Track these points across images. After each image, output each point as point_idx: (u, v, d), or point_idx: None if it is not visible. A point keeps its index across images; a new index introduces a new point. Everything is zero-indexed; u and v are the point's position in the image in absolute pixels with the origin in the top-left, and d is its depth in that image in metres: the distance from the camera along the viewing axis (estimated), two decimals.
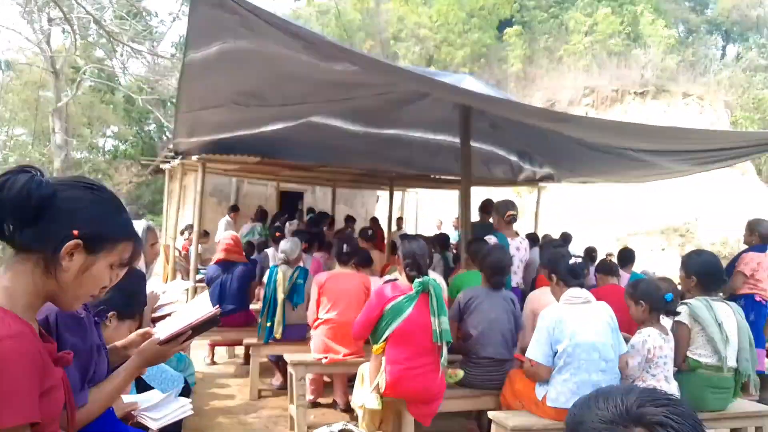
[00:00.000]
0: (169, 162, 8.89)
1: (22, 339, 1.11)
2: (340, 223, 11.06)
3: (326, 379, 4.74)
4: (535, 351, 3.10)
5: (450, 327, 3.26)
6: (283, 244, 4.71)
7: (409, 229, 14.07)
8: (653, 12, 25.26)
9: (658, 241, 16.37)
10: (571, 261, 3.29)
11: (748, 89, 22.81)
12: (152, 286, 4.26)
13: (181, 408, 2.20)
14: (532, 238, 7.48)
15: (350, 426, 1.71)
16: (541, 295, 3.87)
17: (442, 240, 6.94)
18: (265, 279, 4.65)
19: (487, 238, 4.92)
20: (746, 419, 3.47)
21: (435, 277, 3.61)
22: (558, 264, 3.30)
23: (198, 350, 5.78)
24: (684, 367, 3.37)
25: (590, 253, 6.01)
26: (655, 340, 3.15)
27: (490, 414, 3.16)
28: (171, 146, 7.84)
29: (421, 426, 3.32)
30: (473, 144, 6.21)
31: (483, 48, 25.23)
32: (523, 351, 3.44)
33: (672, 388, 3.18)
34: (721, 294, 3.70)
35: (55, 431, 1.26)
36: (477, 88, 3.87)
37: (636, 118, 14.42)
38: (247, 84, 4.25)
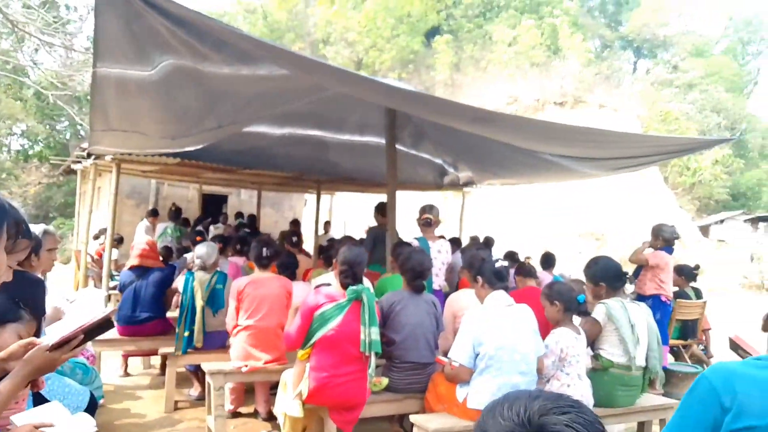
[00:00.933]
0: (81, 162, 8.37)
1: None
2: (265, 227, 10.83)
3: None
4: (458, 352, 3.12)
5: None
6: (199, 249, 4.52)
7: (337, 233, 13.99)
8: (572, 26, 26.60)
9: (575, 245, 17.19)
10: (498, 264, 3.35)
11: (656, 102, 24.49)
12: (58, 296, 3.98)
13: (83, 427, 2.03)
14: (456, 242, 7.64)
15: None
16: (460, 298, 3.92)
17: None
18: (180, 286, 4.45)
19: (409, 241, 4.97)
20: (652, 412, 3.67)
21: (369, 285, 3.59)
22: (484, 267, 3.35)
23: (109, 361, 5.45)
24: (597, 366, 3.51)
25: (511, 256, 6.19)
26: (567, 340, 3.26)
27: (412, 418, 3.16)
28: (84, 145, 7.39)
29: None
30: (400, 148, 6.28)
31: (411, 54, 25.63)
32: (444, 353, 3.47)
33: (584, 385, 3.29)
34: (630, 294, 3.89)
35: None
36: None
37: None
38: (170, 111, 4.10)
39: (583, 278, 3.96)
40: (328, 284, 3.57)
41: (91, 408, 2.86)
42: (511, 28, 24.90)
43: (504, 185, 9.52)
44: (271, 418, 4.14)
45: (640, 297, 5.12)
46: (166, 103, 4.01)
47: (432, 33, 26.73)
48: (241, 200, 14.03)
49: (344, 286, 3.25)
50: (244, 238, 5.94)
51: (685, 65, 31.35)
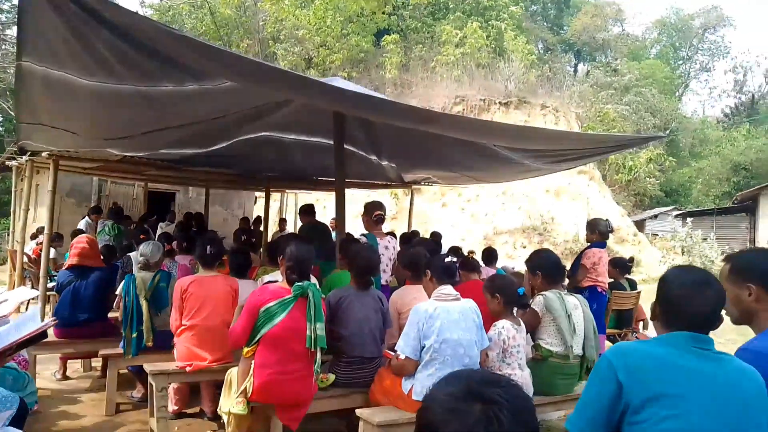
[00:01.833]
0: (15, 159, 7.97)
1: None
2: (215, 226, 10.62)
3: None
4: (405, 345, 3.19)
5: None
6: (143, 248, 4.42)
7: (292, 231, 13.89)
8: (515, 29, 27.28)
9: (519, 240, 17.68)
10: (447, 260, 3.43)
11: (594, 103, 25.47)
12: None
13: None
14: (407, 238, 7.75)
15: None
16: (403, 295, 3.99)
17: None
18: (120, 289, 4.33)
19: (357, 238, 5.03)
20: None
21: (316, 282, 3.60)
22: (433, 262, 3.43)
23: (46, 365, 5.24)
24: (537, 356, 3.66)
25: (455, 251, 6.33)
26: (508, 332, 3.39)
27: (358, 411, 3.21)
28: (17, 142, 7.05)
29: (290, 429, 3.28)
30: (348, 147, 6.31)
31: (361, 53, 25.66)
32: (391, 348, 3.54)
33: (525, 375, 3.43)
34: (566, 286, 4.07)
35: None
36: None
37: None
38: (107, 118, 4.00)
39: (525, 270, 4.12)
40: (275, 281, 3.57)
41: (21, 415, 2.75)
42: (459, 30, 25.31)
43: (449, 184, 9.72)
44: (217, 417, 4.09)
45: (577, 289, 5.35)
46: (103, 112, 3.90)
47: (382, 33, 26.84)
48: (189, 198, 13.72)
49: (290, 283, 3.26)
50: (191, 237, 5.83)
51: (622, 68, 32.73)
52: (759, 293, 1.94)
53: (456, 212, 19.53)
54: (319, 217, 7.59)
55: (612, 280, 6.03)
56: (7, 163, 9.70)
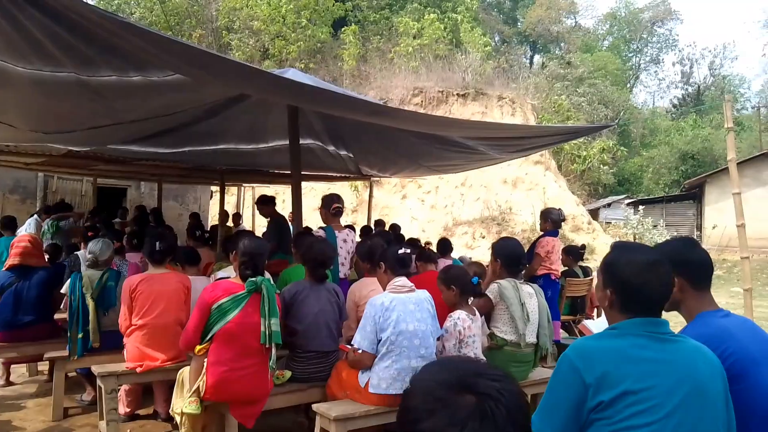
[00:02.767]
0: None
1: None
2: (169, 221, 10.33)
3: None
4: (362, 339, 3.17)
5: None
6: (92, 245, 4.25)
7: (247, 225, 13.67)
8: (472, 21, 27.49)
9: (479, 230, 17.92)
10: (401, 251, 3.43)
11: (550, 94, 25.95)
12: None
13: None
14: (367, 231, 7.74)
15: None
16: (362, 287, 3.98)
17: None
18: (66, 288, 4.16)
19: (314, 231, 4.97)
20: (542, 385, 3.91)
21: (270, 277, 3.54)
22: (387, 253, 3.42)
23: None
24: (492, 345, 3.71)
25: (412, 243, 6.36)
26: (464, 322, 3.41)
27: (314, 406, 3.18)
28: None
29: (245, 427, 3.22)
30: (306, 141, 6.25)
31: (318, 44, 25.37)
32: (348, 342, 3.52)
33: None
34: (522, 275, 4.13)
35: None
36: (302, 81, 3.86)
37: (459, 117, 15.59)
38: (47, 110, 3.80)
39: (484, 262, 4.16)
40: (229, 277, 3.50)
41: None
42: (416, 22, 25.32)
43: (408, 177, 9.75)
44: (171, 418, 3.99)
45: (532, 277, 5.45)
46: (43, 103, 3.72)
47: (339, 23, 26.61)
48: (141, 193, 13.32)
49: (243, 278, 3.20)
50: (142, 234, 5.64)
51: (576, 60, 33.46)
52: (681, 283, 1.99)
53: (416, 204, 19.64)
54: (279, 211, 7.47)
55: (566, 267, 6.17)
56: None
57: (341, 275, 4.89)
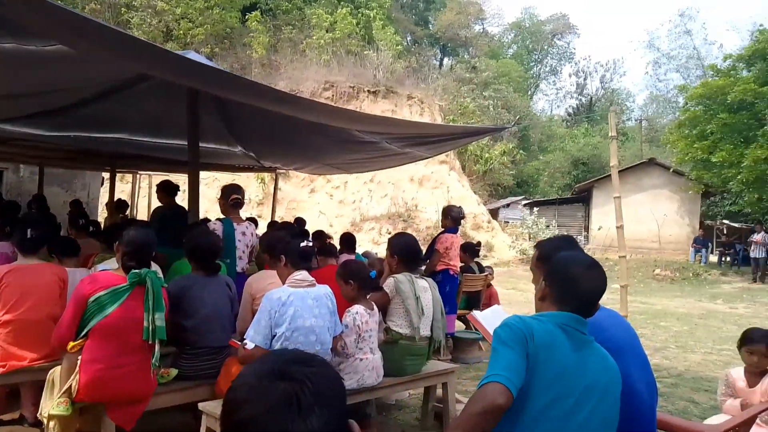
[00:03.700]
0: None
1: None
2: (52, 209, 9.49)
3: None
4: (255, 334, 3.06)
5: None
6: None
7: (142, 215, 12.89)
8: (384, 19, 27.74)
9: (385, 226, 18.15)
10: (303, 244, 3.34)
11: (457, 97, 26.78)
12: None
13: None
14: (271, 224, 7.53)
15: None
16: (260, 277, 3.86)
17: None
18: None
19: (211, 223, 4.76)
20: (435, 377, 4.01)
21: (157, 269, 3.32)
22: (289, 247, 3.32)
23: None
24: (388, 339, 3.72)
25: (319, 236, 6.30)
26: (362, 317, 3.40)
27: (201, 405, 3.03)
28: None
29: (124, 430, 3.01)
30: (205, 145, 5.94)
31: (227, 29, 24.48)
32: (242, 335, 3.39)
33: (377, 358, 3.47)
34: (422, 270, 4.19)
35: None
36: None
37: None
38: None
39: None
40: (110, 269, 3.24)
41: None
42: (329, 15, 25.13)
43: (315, 174, 9.64)
44: (40, 423, 3.65)
45: (431, 272, 5.57)
46: None
47: (249, 9, 25.81)
48: (21, 177, 12.12)
49: (126, 270, 2.98)
50: (13, 221, 5.11)
51: (481, 65, 34.79)
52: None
53: (324, 198, 19.54)
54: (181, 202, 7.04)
55: (463, 264, 6.36)
56: None
57: (239, 269, 4.73)
